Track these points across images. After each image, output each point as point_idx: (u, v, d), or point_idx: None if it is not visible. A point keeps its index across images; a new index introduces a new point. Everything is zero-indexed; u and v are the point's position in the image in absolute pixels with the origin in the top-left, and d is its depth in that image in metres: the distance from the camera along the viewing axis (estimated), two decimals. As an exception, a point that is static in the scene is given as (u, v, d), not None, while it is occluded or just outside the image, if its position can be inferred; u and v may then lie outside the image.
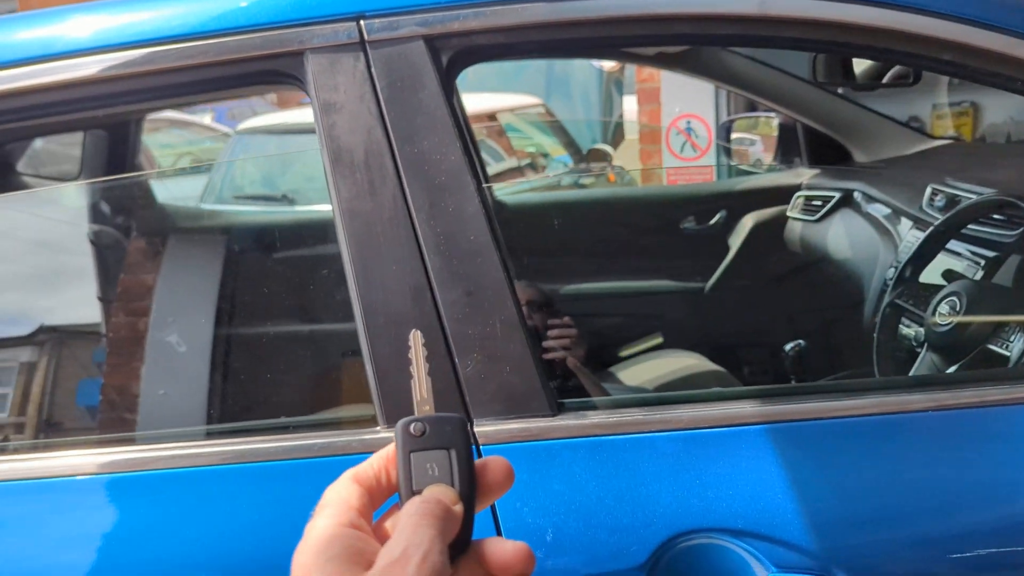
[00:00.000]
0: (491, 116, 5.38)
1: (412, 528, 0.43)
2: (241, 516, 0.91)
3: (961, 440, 0.91)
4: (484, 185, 0.97)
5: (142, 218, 2.30)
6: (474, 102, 5.54)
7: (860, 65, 2.18)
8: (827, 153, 2.54)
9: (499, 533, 0.87)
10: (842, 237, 2.26)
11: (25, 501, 0.94)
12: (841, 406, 0.92)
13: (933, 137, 2.50)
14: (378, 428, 0.93)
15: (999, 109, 4.12)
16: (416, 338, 0.52)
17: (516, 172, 5.37)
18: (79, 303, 1.89)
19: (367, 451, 0.92)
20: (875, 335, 1.61)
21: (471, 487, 0.47)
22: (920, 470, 0.91)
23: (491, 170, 5.12)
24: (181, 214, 2.30)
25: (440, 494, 0.46)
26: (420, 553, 0.42)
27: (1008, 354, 1.25)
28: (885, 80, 1.99)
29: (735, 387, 0.97)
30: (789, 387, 0.95)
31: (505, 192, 4.76)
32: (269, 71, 0.98)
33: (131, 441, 1.02)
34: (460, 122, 0.96)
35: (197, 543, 0.91)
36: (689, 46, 2.05)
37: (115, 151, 2.16)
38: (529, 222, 2.57)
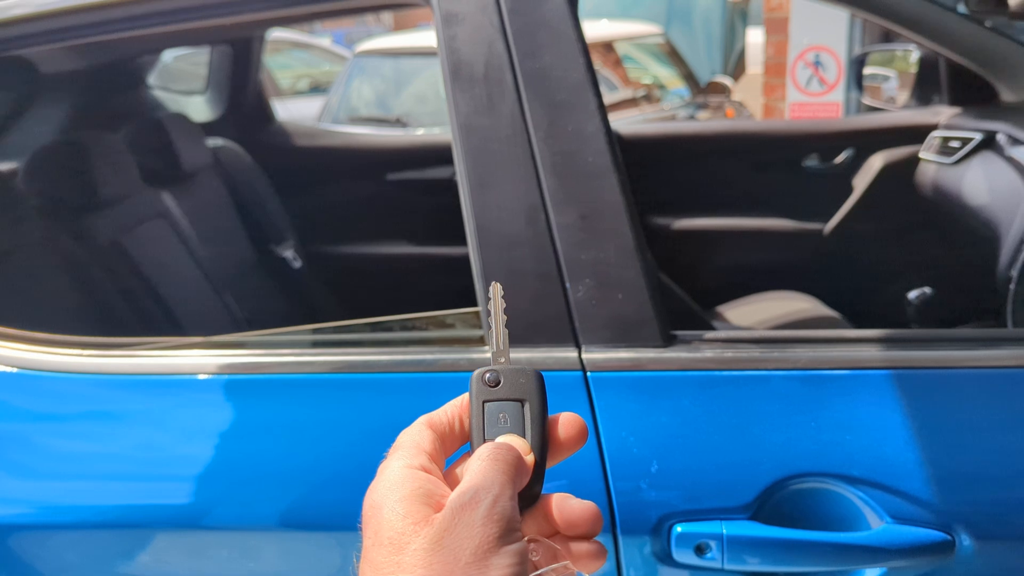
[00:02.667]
0: (608, 45, 5.25)
1: (483, 472, 0.43)
2: (345, 424, 0.94)
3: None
4: (603, 104, 0.93)
5: (265, 134, 2.36)
6: (591, 29, 5.41)
7: (1018, -7, 1.99)
8: (971, 91, 2.35)
9: (603, 462, 0.86)
10: (980, 181, 2.11)
11: (153, 394, 0.99)
12: (972, 356, 0.86)
13: (1095, 76, 2.28)
14: (486, 348, 0.93)
15: None
16: (496, 289, 0.50)
17: (631, 103, 5.24)
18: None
19: (474, 368, 0.93)
20: (1011, 287, 1.51)
21: (543, 441, 0.46)
22: (1060, 430, 0.84)
23: (606, 100, 5.00)
24: (297, 133, 2.35)
25: (513, 441, 0.46)
26: (491, 497, 0.42)
27: None
28: (1048, 9, 1.80)
29: (859, 330, 0.92)
30: (916, 333, 0.90)
31: (620, 123, 4.65)
32: (393, -19, 0.96)
33: (248, 345, 1.06)
34: (583, 38, 0.92)
35: (307, 448, 0.93)
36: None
37: (238, 68, 2.20)
38: (643, 153, 2.50)
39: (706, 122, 4.40)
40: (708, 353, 0.90)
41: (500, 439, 0.46)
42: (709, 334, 0.92)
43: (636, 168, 2.51)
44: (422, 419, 0.49)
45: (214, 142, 2.10)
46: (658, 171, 2.51)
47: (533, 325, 0.91)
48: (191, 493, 0.93)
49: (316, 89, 6.76)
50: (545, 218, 0.91)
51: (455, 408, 0.49)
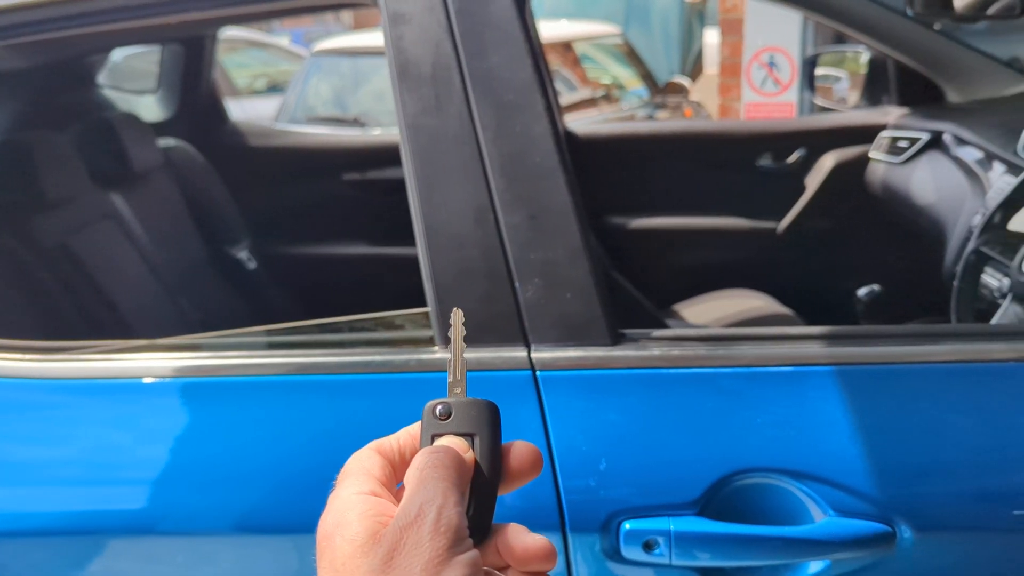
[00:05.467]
0: (566, 45, 5.26)
1: (424, 483, 0.42)
2: (298, 426, 0.93)
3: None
4: (552, 105, 0.93)
5: (219, 134, 2.33)
6: (549, 29, 5.42)
7: (962, -3, 2.04)
8: (918, 92, 2.41)
9: (552, 460, 0.87)
10: (928, 180, 2.15)
11: (104, 398, 0.97)
12: (914, 351, 0.88)
13: (1036, 78, 2.34)
14: (435, 348, 0.93)
15: (1114, 50, 3.85)
16: (457, 317, 0.48)
17: (589, 103, 5.26)
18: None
19: (424, 370, 0.93)
20: (956, 283, 1.54)
21: (495, 474, 0.46)
22: (993, 422, 0.87)
23: (564, 100, 5.03)
24: (251, 132, 2.32)
25: (450, 442, 0.45)
26: (434, 509, 0.41)
27: (1101, 308, 1.18)
28: (990, 12, 1.85)
29: (804, 327, 0.93)
30: (860, 329, 0.91)
31: (577, 124, 4.68)
32: (339, -20, 0.96)
33: (200, 348, 1.05)
34: (532, 38, 0.92)
35: (260, 451, 0.93)
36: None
37: (191, 67, 2.17)
38: (598, 154, 2.51)
39: (661, 122, 4.44)
40: (656, 351, 0.91)
41: (437, 442, 0.46)
42: (657, 332, 0.93)
43: (593, 168, 2.53)
44: (372, 445, 0.48)
45: (166, 142, 2.07)
46: (614, 171, 2.52)
47: (482, 325, 0.91)
48: (144, 499, 0.92)
49: (274, 88, 6.69)
50: (494, 218, 0.91)
51: (406, 436, 0.48)
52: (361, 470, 0.46)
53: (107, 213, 1.71)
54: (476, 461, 0.45)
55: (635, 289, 1.84)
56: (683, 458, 0.86)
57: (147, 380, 0.95)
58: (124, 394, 0.96)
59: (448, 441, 0.46)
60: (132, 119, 1.92)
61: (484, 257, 0.91)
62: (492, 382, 0.90)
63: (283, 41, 7.90)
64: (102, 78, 2.11)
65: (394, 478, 0.47)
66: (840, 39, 2.92)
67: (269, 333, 1.06)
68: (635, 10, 7.15)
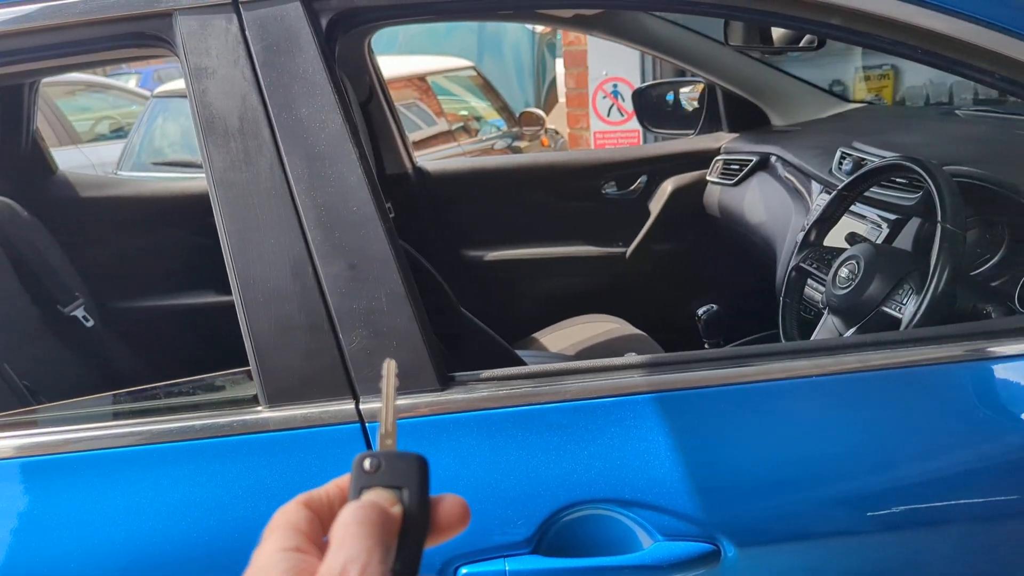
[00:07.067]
0: (421, 79, 5.30)
1: (348, 539, 0.42)
2: (118, 500, 0.88)
3: (845, 405, 0.92)
4: (367, 153, 0.93)
5: (45, 187, 2.20)
6: (403, 64, 5.45)
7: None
8: (746, 118, 2.56)
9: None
10: (758, 201, 2.28)
11: None
12: (727, 374, 0.92)
13: (848, 101, 2.54)
14: (259, 408, 0.90)
15: (918, 72, 4.21)
16: (389, 368, 0.48)
17: (447, 136, 5.31)
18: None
19: (248, 432, 0.90)
20: (781, 298, 1.63)
21: (423, 527, 0.46)
22: (805, 437, 0.92)
23: (421, 134, 5.05)
24: (82, 183, 2.21)
25: (376, 497, 0.45)
26: (358, 568, 0.40)
27: (900, 316, 1.27)
28: (802, 44, 1.99)
29: (623, 358, 0.96)
30: (675, 356, 0.95)
31: (431, 157, 4.70)
32: (135, 33, 0.93)
33: (34, 424, 0.98)
34: (341, 88, 0.92)
35: (80, 528, 0.87)
36: (599, 9, 2.03)
37: (7, 120, 2.05)
38: (450, 189, 2.53)
39: (510, 156, 4.54)
40: (484, 392, 0.91)
41: (365, 495, 0.45)
42: (485, 373, 0.94)
43: (446, 203, 2.55)
44: (300, 498, 0.47)
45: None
46: (468, 205, 2.55)
47: (307, 380, 0.89)
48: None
49: (119, 132, 6.41)
50: (312, 270, 0.90)
51: (335, 488, 0.47)
52: (287, 524, 0.45)
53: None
54: (404, 514, 0.45)
55: (492, 320, 1.85)
56: (515, 496, 0.87)
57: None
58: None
59: (376, 494, 0.45)
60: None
61: (304, 310, 0.89)
62: (320, 438, 0.89)
63: (130, 82, 7.59)
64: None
65: (322, 532, 0.45)
66: (680, 70, 3.07)
67: (78, 405, 1.01)
68: (488, 43, 7.28)
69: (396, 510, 0.44)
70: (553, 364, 0.94)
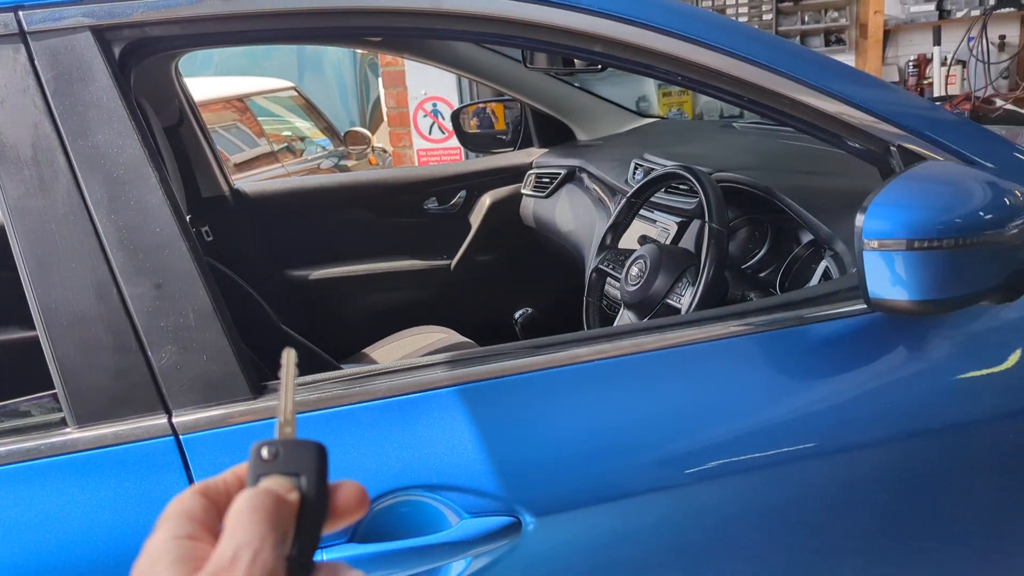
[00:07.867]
0: (239, 100, 5.20)
1: (241, 526, 0.42)
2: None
3: (621, 386, 1.04)
4: (178, 177, 0.97)
5: None
6: (220, 86, 5.33)
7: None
8: (554, 134, 2.73)
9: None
10: (567, 210, 2.44)
11: None
12: (520, 364, 1.02)
13: (643, 116, 2.75)
14: (68, 429, 0.91)
15: (712, 88, 4.58)
16: (289, 357, 0.48)
17: (270, 157, 5.23)
18: None
19: (57, 454, 0.91)
20: (585, 297, 1.78)
21: (321, 513, 0.46)
22: (591, 414, 1.03)
23: (243, 155, 4.96)
24: None
25: (272, 484, 0.45)
26: (250, 553, 0.40)
27: (679, 306, 1.43)
28: (588, 65, 2.15)
29: (428, 356, 1.05)
30: (475, 351, 1.04)
31: (254, 179, 4.63)
32: (-84, 64, 0.92)
33: None
34: (137, 114, 0.95)
35: None
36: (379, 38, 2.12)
37: None
38: (271, 209, 2.54)
39: (331, 175, 4.55)
40: (297, 398, 0.96)
41: (262, 482, 0.45)
42: (297, 380, 0.99)
43: (267, 224, 2.55)
44: (195, 486, 0.47)
45: None
46: (288, 225, 2.56)
47: (117, 398, 0.91)
48: None
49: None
50: (117, 291, 0.92)
51: (233, 476, 0.47)
52: (180, 512, 0.44)
53: None
54: (302, 500, 0.45)
55: (321, 338, 1.89)
56: (330, 492, 0.93)
57: None
58: None
59: (273, 481, 0.45)
60: None
61: (110, 331, 0.91)
62: (132, 454, 0.91)
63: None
64: None
65: (218, 520, 0.45)
66: (496, 90, 3.21)
67: None
68: (308, 63, 7.23)
69: (293, 496, 0.45)
70: (364, 367, 1.00)
